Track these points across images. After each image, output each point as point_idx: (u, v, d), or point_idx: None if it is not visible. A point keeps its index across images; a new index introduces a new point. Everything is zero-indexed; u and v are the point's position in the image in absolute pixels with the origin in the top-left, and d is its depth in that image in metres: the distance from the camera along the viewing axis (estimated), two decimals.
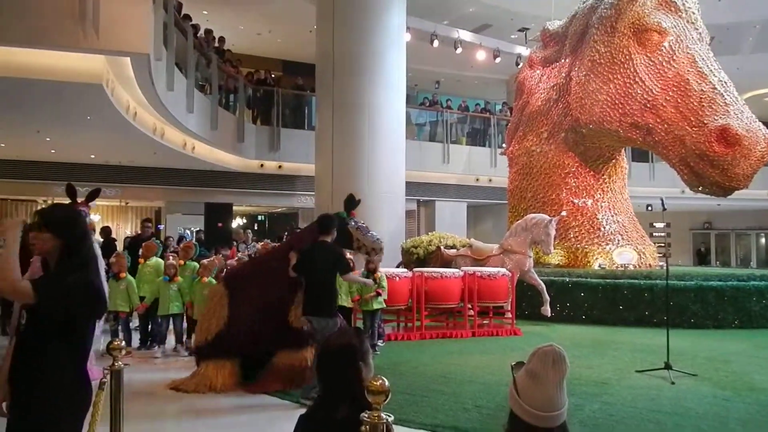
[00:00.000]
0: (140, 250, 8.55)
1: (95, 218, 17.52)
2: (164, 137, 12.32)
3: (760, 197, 20.40)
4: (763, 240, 26.12)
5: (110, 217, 18.54)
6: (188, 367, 7.13)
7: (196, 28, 13.03)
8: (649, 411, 5.14)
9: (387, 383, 1.93)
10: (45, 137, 11.81)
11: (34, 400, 2.43)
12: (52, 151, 13.47)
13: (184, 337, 7.94)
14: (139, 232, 10.99)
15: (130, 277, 7.91)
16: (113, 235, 11.86)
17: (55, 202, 15.65)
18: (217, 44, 14.92)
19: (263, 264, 6.39)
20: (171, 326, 7.98)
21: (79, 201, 5.91)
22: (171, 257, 8.45)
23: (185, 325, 7.98)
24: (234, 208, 18.23)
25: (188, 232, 16.59)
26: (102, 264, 3.90)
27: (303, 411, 2.19)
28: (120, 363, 2.95)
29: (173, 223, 17.23)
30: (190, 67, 11.51)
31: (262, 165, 16.04)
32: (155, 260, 8.24)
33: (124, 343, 3.04)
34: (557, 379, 1.67)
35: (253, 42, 18.72)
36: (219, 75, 13.61)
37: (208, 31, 14.71)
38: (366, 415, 1.92)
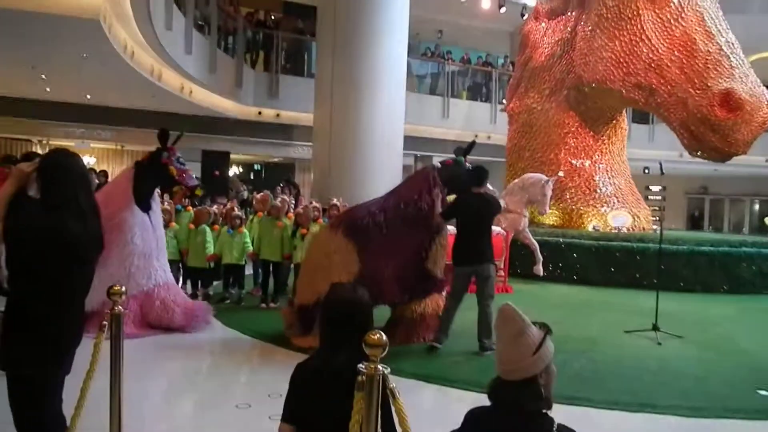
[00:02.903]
0: None
1: (91, 161, 17.38)
2: (162, 79, 12.11)
3: (757, 163, 20.34)
4: (757, 206, 26.20)
5: (106, 161, 18.36)
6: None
7: None
8: (633, 369, 5.28)
9: (384, 336, 1.94)
10: (40, 74, 11.58)
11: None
12: (47, 89, 13.24)
13: (180, 284, 7.99)
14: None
15: None
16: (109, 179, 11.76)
17: (50, 142, 15.51)
18: None
19: (392, 211, 5.72)
20: None
21: (168, 147, 6.10)
22: (166, 202, 8.35)
23: (181, 271, 8.04)
24: (231, 156, 18.06)
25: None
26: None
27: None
28: (119, 308, 2.97)
29: None
30: (189, 5, 11.20)
31: (260, 113, 15.80)
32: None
33: (124, 288, 3.06)
34: (507, 334, 1.76)
35: None
36: (218, 14, 13.28)
37: None
38: (363, 366, 1.94)
